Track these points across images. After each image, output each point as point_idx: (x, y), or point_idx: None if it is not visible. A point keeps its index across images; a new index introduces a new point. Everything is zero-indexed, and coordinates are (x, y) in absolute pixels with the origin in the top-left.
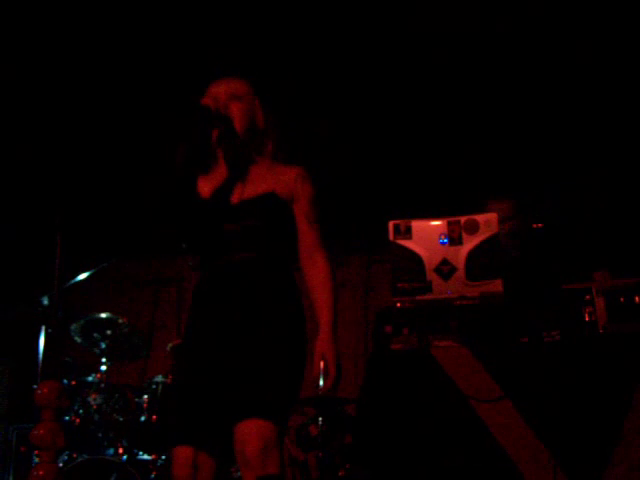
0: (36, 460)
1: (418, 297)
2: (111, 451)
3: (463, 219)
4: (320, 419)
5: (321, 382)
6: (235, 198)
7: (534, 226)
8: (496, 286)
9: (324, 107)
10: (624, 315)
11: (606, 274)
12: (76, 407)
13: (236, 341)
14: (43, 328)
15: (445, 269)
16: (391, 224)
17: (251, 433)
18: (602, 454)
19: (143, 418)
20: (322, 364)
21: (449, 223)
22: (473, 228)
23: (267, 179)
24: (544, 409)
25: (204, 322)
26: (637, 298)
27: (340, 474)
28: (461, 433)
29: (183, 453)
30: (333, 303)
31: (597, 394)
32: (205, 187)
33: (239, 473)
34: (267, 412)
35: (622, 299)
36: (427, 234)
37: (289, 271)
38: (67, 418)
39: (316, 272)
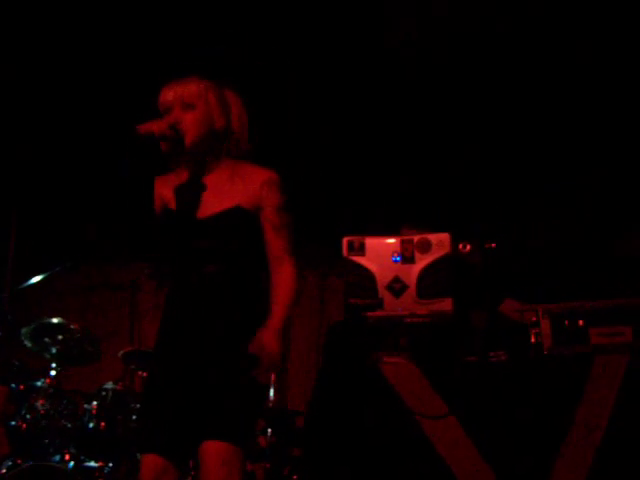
0: None
1: (369, 313)
2: (57, 458)
3: (416, 238)
4: (269, 431)
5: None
6: (202, 212)
7: (486, 246)
8: (446, 305)
9: (284, 118)
10: (568, 338)
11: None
12: (23, 412)
13: (201, 357)
14: None
15: (397, 287)
16: (345, 240)
17: (211, 455)
18: (542, 472)
19: (91, 425)
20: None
21: (402, 241)
22: (426, 247)
23: (233, 188)
24: (488, 427)
25: (173, 334)
26: (580, 322)
27: None
28: (407, 448)
29: (150, 461)
30: (290, 303)
31: (540, 414)
32: (169, 192)
33: None
34: (228, 435)
35: (567, 322)
36: (380, 251)
37: (260, 284)
38: (13, 423)
39: (280, 278)
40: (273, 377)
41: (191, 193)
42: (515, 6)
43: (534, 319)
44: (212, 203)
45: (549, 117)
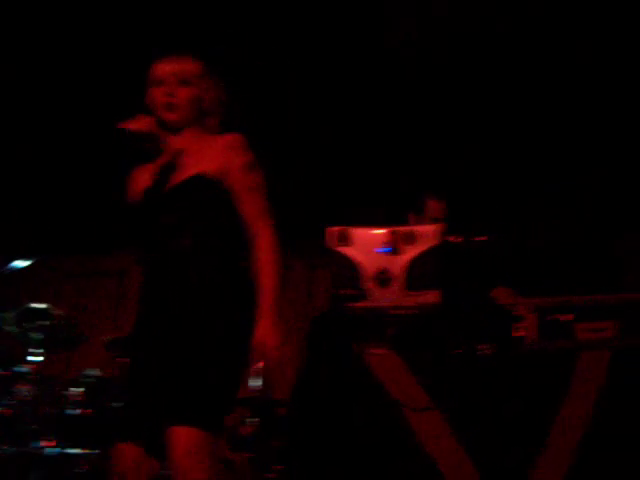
0: None
1: (354, 304)
2: (40, 444)
3: (404, 229)
4: (252, 420)
5: (252, 382)
6: (167, 184)
7: (475, 239)
8: (433, 297)
9: (273, 108)
10: (554, 332)
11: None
12: (8, 398)
13: (171, 339)
14: None
15: (383, 278)
16: (331, 230)
17: (179, 440)
18: (525, 466)
19: (76, 411)
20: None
21: (390, 232)
22: (414, 238)
23: (200, 158)
24: (472, 421)
25: (144, 317)
26: (566, 317)
27: (269, 476)
28: (391, 440)
29: (126, 450)
30: (276, 285)
31: (524, 408)
32: (146, 176)
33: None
34: (196, 419)
35: (553, 317)
36: (367, 242)
37: (233, 258)
38: None
39: (259, 245)
40: (262, 366)
41: (162, 170)
42: (515, 6)
43: (520, 313)
44: (178, 175)
45: (549, 117)
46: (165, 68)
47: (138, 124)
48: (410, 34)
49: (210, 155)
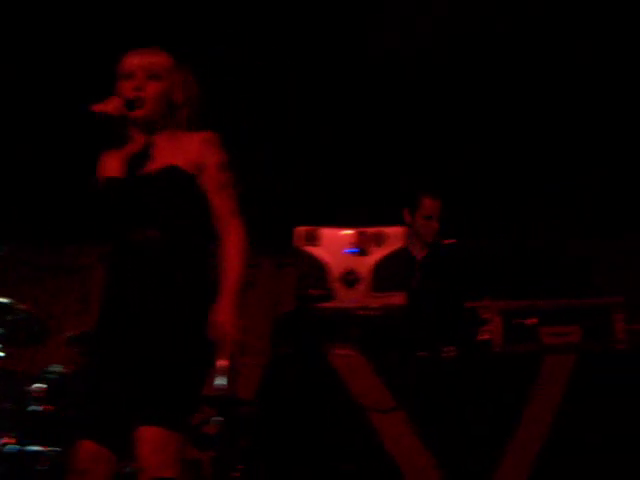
0: None
1: (321, 304)
2: (0, 441)
3: (372, 230)
4: (217, 419)
5: (218, 381)
6: (137, 175)
7: (445, 242)
8: (399, 299)
9: (243, 108)
10: (519, 336)
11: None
12: None
13: (135, 336)
14: None
15: (350, 278)
16: (298, 230)
17: (145, 439)
18: (489, 470)
19: (37, 408)
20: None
21: (358, 233)
22: (381, 240)
23: (173, 151)
24: (436, 423)
25: (109, 310)
26: (532, 320)
27: (234, 475)
28: (355, 440)
29: (85, 447)
30: (241, 273)
31: (488, 411)
32: (113, 164)
33: (128, 469)
34: (163, 418)
35: (518, 320)
36: (334, 242)
37: (201, 250)
38: None
39: (228, 242)
40: (228, 364)
41: (131, 159)
42: (515, 6)
43: (486, 316)
44: (149, 165)
45: (549, 117)
46: (134, 61)
47: (109, 107)
48: (410, 34)
49: (184, 149)
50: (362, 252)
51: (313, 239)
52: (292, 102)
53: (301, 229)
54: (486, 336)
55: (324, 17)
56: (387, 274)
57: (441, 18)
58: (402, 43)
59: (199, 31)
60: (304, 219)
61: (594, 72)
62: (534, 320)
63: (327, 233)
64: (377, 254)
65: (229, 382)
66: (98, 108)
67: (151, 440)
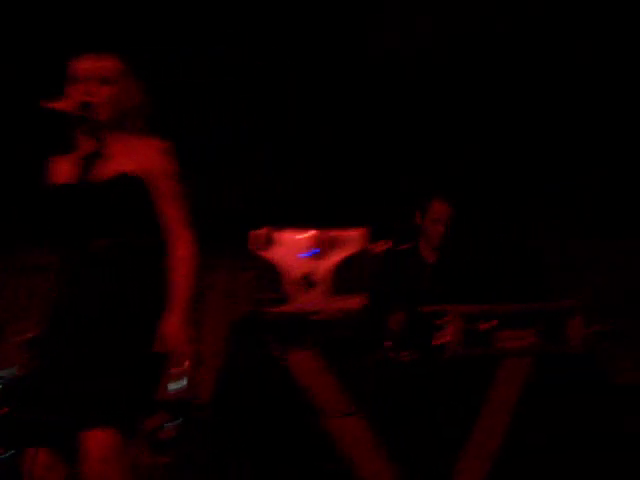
0: None
1: (277, 308)
2: None
3: (328, 233)
4: (172, 424)
5: (173, 385)
6: (88, 182)
7: (401, 247)
8: (356, 302)
9: (243, 108)
10: (475, 339)
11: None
12: None
13: (84, 341)
14: None
15: (307, 282)
16: (254, 233)
17: (91, 443)
18: (447, 472)
19: None
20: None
21: (315, 236)
22: (338, 243)
23: (125, 158)
24: (393, 426)
25: (58, 315)
26: (489, 324)
27: None
28: (312, 446)
29: (34, 454)
30: (191, 283)
31: (444, 414)
32: (63, 169)
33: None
34: (110, 423)
35: (476, 324)
36: (291, 246)
37: (153, 259)
38: None
39: (177, 253)
40: (187, 368)
41: (83, 164)
42: (515, 6)
43: (445, 320)
44: (100, 172)
45: (549, 117)
46: (84, 66)
47: (65, 104)
48: (410, 34)
49: (136, 157)
50: (319, 255)
51: (269, 242)
52: (292, 102)
53: (257, 232)
54: (444, 339)
55: (325, 17)
56: (345, 277)
57: (441, 18)
58: (402, 43)
59: (199, 31)
60: (260, 220)
61: (594, 72)
62: (491, 324)
63: (283, 236)
64: (334, 257)
65: (186, 386)
66: (54, 104)
67: (97, 444)
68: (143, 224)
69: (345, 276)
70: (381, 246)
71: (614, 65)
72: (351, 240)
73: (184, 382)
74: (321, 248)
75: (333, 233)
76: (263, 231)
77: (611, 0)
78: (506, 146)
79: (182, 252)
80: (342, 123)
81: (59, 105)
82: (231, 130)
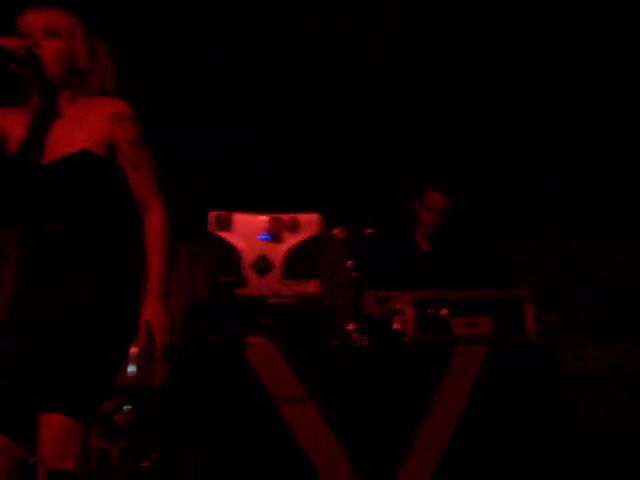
0: None
1: (233, 291)
2: None
3: (286, 217)
4: (127, 407)
5: (128, 368)
6: (44, 158)
7: (366, 232)
8: (312, 287)
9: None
10: (431, 326)
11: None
12: None
13: (46, 325)
14: None
15: (262, 265)
16: (212, 215)
17: (48, 428)
18: (399, 458)
19: None
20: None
21: (272, 219)
22: (295, 227)
23: (80, 127)
24: (346, 413)
25: (18, 302)
26: (444, 311)
27: (144, 464)
28: (265, 431)
29: None
30: (165, 265)
31: (398, 401)
32: (14, 131)
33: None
34: (69, 407)
35: (430, 311)
36: (248, 228)
37: (119, 240)
38: None
39: (149, 223)
40: (135, 351)
41: (35, 135)
42: (515, 6)
43: (398, 306)
44: (58, 147)
45: (549, 117)
46: (30, 19)
47: (9, 42)
48: (409, 34)
49: (95, 125)
50: (275, 238)
51: (226, 224)
52: (292, 102)
53: (214, 214)
54: (398, 326)
55: (324, 16)
56: (300, 261)
57: (441, 17)
58: (402, 43)
59: (199, 31)
60: (220, 203)
61: (594, 72)
62: (446, 311)
63: (240, 218)
64: (290, 241)
65: (140, 369)
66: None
67: (53, 428)
68: (110, 201)
69: (300, 260)
70: (341, 232)
71: (614, 65)
72: (309, 224)
73: (135, 366)
74: (277, 231)
75: (290, 216)
76: (220, 212)
77: (611, 0)
78: (506, 146)
79: (154, 224)
80: (342, 123)
81: (3, 41)
82: (231, 130)
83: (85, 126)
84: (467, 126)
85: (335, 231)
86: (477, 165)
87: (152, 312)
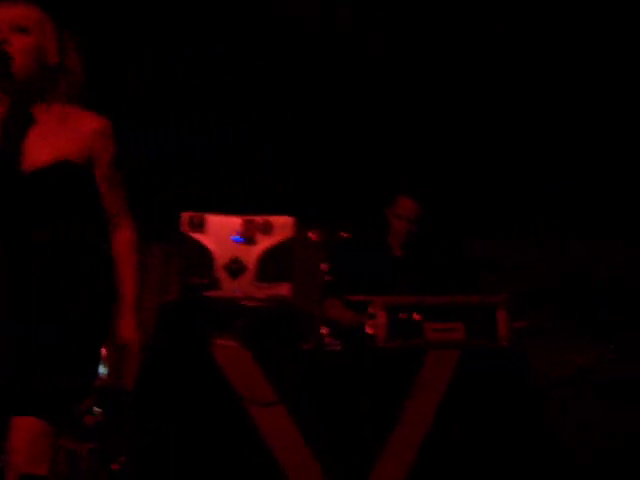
0: None
1: (205, 293)
2: None
3: (259, 219)
4: (97, 409)
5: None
6: (22, 165)
7: (341, 235)
8: (285, 290)
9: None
10: (403, 331)
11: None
12: None
13: (20, 328)
14: None
15: (235, 267)
16: (184, 215)
17: (21, 432)
18: (368, 462)
19: None
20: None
21: (245, 221)
22: (268, 229)
23: (62, 137)
24: (317, 417)
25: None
26: (416, 316)
27: (114, 467)
28: (235, 435)
29: None
30: (137, 281)
31: (370, 405)
32: None
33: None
34: (43, 410)
35: (403, 315)
36: (221, 230)
37: (95, 246)
38: None
39: (119, 241)
40: (105, 352)
41: (11, 139)
42: (515, 6)
43: (371, 311)
44: (37, 154)
45: (549, 117)
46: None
47: None
48: (410, 34)
49: (74, 135)
50: (248, 241)
51: (199, 225)
52: (292, 102)
53: (187, 215)
54: (370, 330)
55: (322, 16)
56: (273, 264)
57: (440, 17)
58: (402, 43)
59: (199, 31)
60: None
61: (594, 72)
62: (418, 316)
63: (213, 220)
64: (264, 243)
65: (112, 372)
66: None
67: (26, 432)
68: (87, 212)
69: (273, 263)
70: (316, 235)
71: (614, 65)
72: (282, 226)
73: (106, 368)
74: (251, 233)
75: (263, 219)
76: (193, 213)
77: (611, 0)
78: (506, 146)
79: (126, 241)
80: (318, 127)
81: None
82: (231, 130)
83: (65, 136)
84: (466, 126)
85: (310, 234)
86: (477, 165)
87: (127, 329)
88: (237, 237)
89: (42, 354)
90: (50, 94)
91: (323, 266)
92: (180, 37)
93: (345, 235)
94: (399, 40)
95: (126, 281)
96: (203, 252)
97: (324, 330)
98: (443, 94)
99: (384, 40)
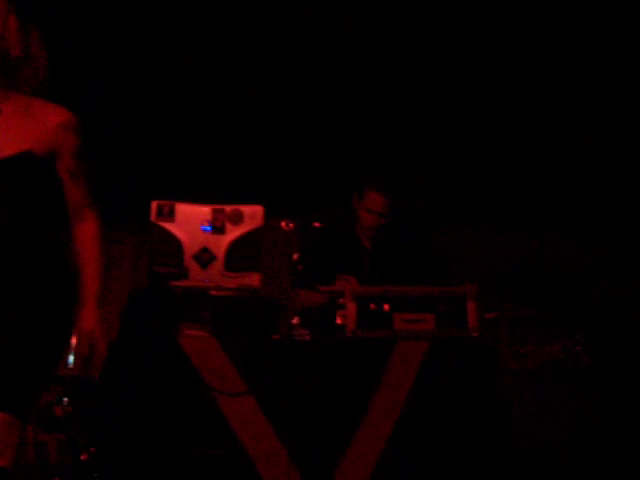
0: None
1: (173, 283)
2: None
3: (228, 208)
4: (65, 399)
5: (72, 359)
6: None
7: (315, 225)
8: (254, 280)
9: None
10: (373, 322)
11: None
12: None
13: None
14: None
15: (204, 257)
16: (154, 204)
17: None
18: (337, 452)
19: None
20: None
21: (214, 210)
22: (238, 218)
23: (25, 129)
24: (286, 407)
25: None
26: (386, 306)
27: (82, 458)
28: (203, 425)
29: None
30: (100, 273)
31: (339, 396)
32: None
33: None
34: (8, 404)
35: (372, 306)
36: (190, 219)
37: (55, 240)
38: None
39: (83, 233)
40: (74, 342)
41: None
42: (515, 6)
43: (341, 301)
44: (0, 144)
45: (549, 117)
46: None
47: None
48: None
49: (40, 130)
50: (217, 230)
51: (169, 214)
52: (262, 92)
53: (156, 203)
54: (340, 320)
55: (316, 11)
56: (242, 254)
57: (424, 13)
58: (372, 31)
59: (199, 31)
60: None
61: (593, 72)
62: (388, 306)
63: (183, 209)
64: (234, 233)
65: (82, 363)
66: None
67: None
68: (48, 203)
69: (243, 252)
70: (287, 225)
71: (614, 65)
72: (252, 216)
73: (72, 357)
74: (220, 222)
75: (233, 208)
76: (162, 202)
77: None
78: (505, 146)
79: (90, 233)
80: (314, 113)
81: None
82: (178, 121)
83: (28, 128)
84: (467, 126)
85: (282, 224)
86: (476, 165)
87: (89, 322)
88: (207, 226)
89: (1, 346)
90: (14, 86)
91: (295, 256)
92: (180, 37)
93: (317, 225)
94: (369, 28)
95: (88, 272)
96: (172, 241)
97: (294, 320)
98: (439, 94)
99: (352, 32)
